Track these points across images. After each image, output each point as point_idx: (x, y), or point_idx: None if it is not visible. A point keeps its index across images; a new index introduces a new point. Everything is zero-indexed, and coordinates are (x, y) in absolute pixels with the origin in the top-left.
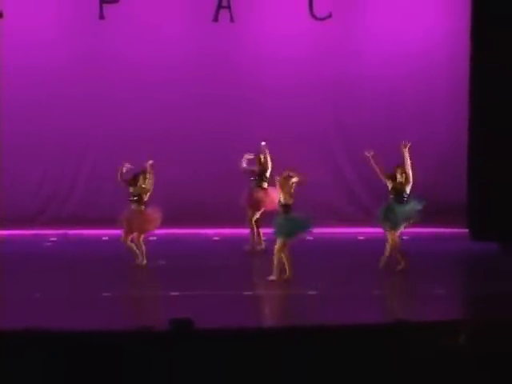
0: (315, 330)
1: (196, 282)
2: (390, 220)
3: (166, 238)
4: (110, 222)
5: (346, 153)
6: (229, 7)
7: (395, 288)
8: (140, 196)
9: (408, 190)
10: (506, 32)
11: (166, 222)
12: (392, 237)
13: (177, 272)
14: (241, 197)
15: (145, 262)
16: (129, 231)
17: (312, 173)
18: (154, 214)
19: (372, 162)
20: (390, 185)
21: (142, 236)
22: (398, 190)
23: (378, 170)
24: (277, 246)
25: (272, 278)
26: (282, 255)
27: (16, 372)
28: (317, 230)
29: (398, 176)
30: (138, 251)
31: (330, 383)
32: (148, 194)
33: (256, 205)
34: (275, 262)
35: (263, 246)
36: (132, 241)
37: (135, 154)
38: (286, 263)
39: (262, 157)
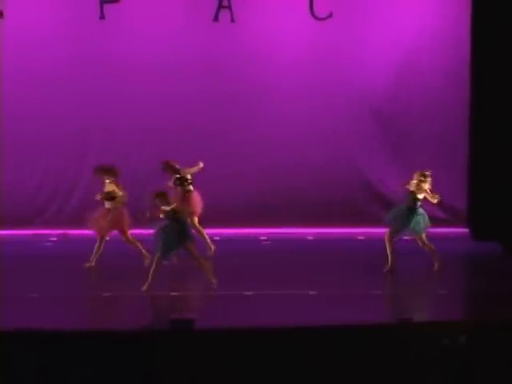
0: (316, 330)
1: (197, 283)
2: (397, 224)
3: None
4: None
5: (346, 152)
6: (229, 7)
7: (396, 288)
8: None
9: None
10: (506, 31)
11: None
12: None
13: (177, 272)
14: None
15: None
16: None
17: (310, 172)
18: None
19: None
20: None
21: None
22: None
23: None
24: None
25: None
26: None
27: (17, 372)
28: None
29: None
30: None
31: (330, 383)
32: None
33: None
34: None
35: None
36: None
37: (136, 154)
38: None
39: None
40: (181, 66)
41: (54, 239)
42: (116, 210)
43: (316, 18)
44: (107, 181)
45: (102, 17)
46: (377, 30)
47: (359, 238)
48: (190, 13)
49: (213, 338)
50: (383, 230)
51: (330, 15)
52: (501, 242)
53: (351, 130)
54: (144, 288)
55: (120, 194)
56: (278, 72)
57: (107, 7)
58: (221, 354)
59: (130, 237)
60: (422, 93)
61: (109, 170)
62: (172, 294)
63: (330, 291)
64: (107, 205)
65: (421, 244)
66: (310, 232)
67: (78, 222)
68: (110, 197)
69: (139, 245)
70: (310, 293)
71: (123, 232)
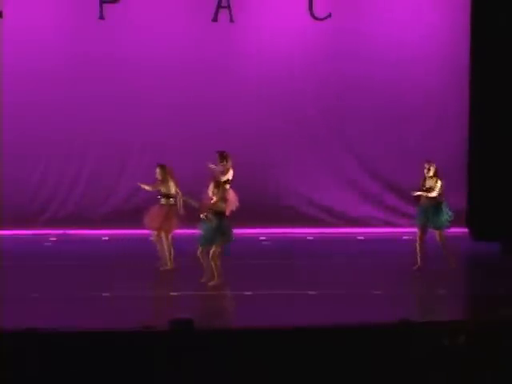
0: (315, 331)
1: (197, 283)
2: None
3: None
4: (110, 223)
5: (344, 151)
6: (228, 7)
7: (397, 288)
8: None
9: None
10: (505, 34)
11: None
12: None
13: (178, 272)
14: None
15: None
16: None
17: (310, 171)
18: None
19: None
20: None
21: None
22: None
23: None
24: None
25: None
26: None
27: (17, 371)
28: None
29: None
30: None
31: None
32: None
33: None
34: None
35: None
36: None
37: (134, 154)
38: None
39: None
40: (180, 65)
41: (54, 239)
42: (170, 209)
43: (315, 18)
44: (168, 180)
45: (102, 17)
46: (375, 29)
47: (358, 238)
48: (189, 13)
49: (213, 338)
50: (380, 230)
51: (329, 15)
52: (500, 241)
53: (347, 128)
54: (213, 282)
55: (178, 193)
56: (277, 72)
57: (107, 7)
58: (220, 354)
59: (171, 240)
60: (420, 92)
61: (170, 170)
62: (172, 294)
63: (329, 291)
64: (163, 202)
65: (438, 240)
66: (309, 232)
67: (78, 222)
68: (168, 196)
69: (171, 252)
70: (310, 293)
71: (168, 232)
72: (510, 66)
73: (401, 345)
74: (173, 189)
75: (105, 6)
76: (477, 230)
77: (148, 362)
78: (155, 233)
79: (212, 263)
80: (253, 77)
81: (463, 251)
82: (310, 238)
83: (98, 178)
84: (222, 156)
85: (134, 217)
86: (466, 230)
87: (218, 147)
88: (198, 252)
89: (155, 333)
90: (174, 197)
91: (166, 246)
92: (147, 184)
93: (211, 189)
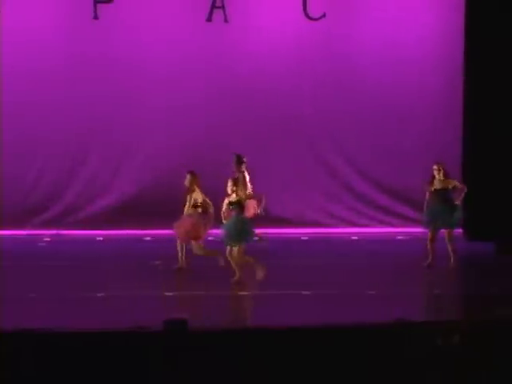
0: (310, 331)
1: (191, 283)
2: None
3: (163, 238)
4: (104, 223)
5: (337, 151)
6: (223, 7)
7: (392, 288)
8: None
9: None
10: (499, 35)
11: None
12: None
13: (172, 272)
14: None
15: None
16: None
17: (304, 171)
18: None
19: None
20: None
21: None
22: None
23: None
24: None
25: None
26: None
27: (10, 371)
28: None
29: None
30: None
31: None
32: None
33: None
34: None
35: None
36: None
37: (130, 154)
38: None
39: None
40: (174, 65)
41: (48, 239)
42: (198, 218)
43: (309, 18)
44: (195, 189)
45: (96, 17)
46: (370, 29)
47: (352, 237)
48: (183, 13)
49: (206, 338)
50: (375, 230)
51: (324, 15)
52: (494, 241)
53: (341, 129)
54: (259, 276)
55: (206, 201)
56: (272, 72)
57: (101, 7)
58: (214, 354)
59: (202, 245)
60: (414, 93)
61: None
62: (166, 294)
63: (323, 291)
64: (191, 212)
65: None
66: (303, 232)
67: (73, 223)
68: (195, 205)
69: (212, 253)
70: (304, 293)
71: (197, 240)
72: (504, 66)
73: (396, 345)
74: (200, 197)
75: (99, 6)
76: (471, 231)
77: (143, 363)
78: (183, 242)
79: (236, 261)
80: (247, 77)
81: (458, 251)
82: (305, 238)
83: (93, 178)
84: (239, 159)
85: (128, 217)
86: (460, 230)
87: (213, 145)
88: (227, 252)
89: (149, 333)
90: (202, 205)
91: (179, 246)
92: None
93: (230, 186)
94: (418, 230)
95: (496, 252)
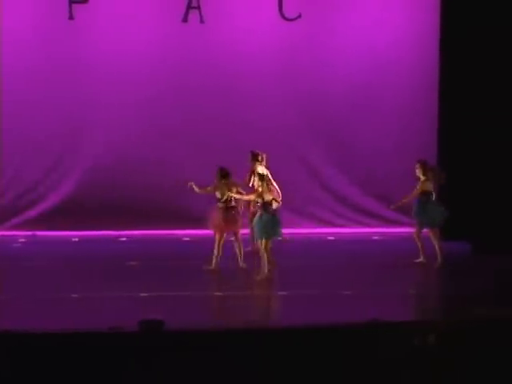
0: (289, 331)
1: (168, 283)
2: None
3: (141, 238)
4: (80, 225)
5: (319, 152)
6: (198, 8)
7: (367, 288)
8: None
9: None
10: (474, 35)
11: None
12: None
13: (148, 273)
14: None
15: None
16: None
17: (285, 173)
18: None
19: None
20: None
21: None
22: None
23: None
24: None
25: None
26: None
27: None
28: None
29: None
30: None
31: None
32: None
33: None
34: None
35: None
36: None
37: (110, 154)
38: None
39: None
40: (150, 66)
41: (23, 240)
42: (231, 211)
43: (285, 18)
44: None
45: (71, 17)
46: (345, 31)
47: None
48: (159, 13)
49: (182, 338)
50: (351, 230)
51: (299, 16)
52: (470, 241)
53: (318, 130)
54: (264, 274)
55: (241, 196)
56: (248, 73)
57: (76, 7)
58: (190, 355)
59: (240, 238)
60: (390, 94)
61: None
62: (142, 294)
63: (299, 291)
64: (220, 206)
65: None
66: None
67: (48, 224)
68: (219, 200)
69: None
70: (280, 293)
71: (235, 233)
72: (479, 67)
73: (371, 345)
74: (224, 193)
75: (74, 6)
76: (446, 230)
77: (117, 363)
78: (219, 235)
79: (265, 255)
80: (223, 78)
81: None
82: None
83: (67, 177)
84: (255, 156)
85: (103, 218)
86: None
87: (189, 149)
88: (262, 247)
89: (125, 334)
90: (230, 200)
91: (217, 246)
92: (201, 187)
93: (256, 181)
94: (394, 230)
95: (472, 252)
